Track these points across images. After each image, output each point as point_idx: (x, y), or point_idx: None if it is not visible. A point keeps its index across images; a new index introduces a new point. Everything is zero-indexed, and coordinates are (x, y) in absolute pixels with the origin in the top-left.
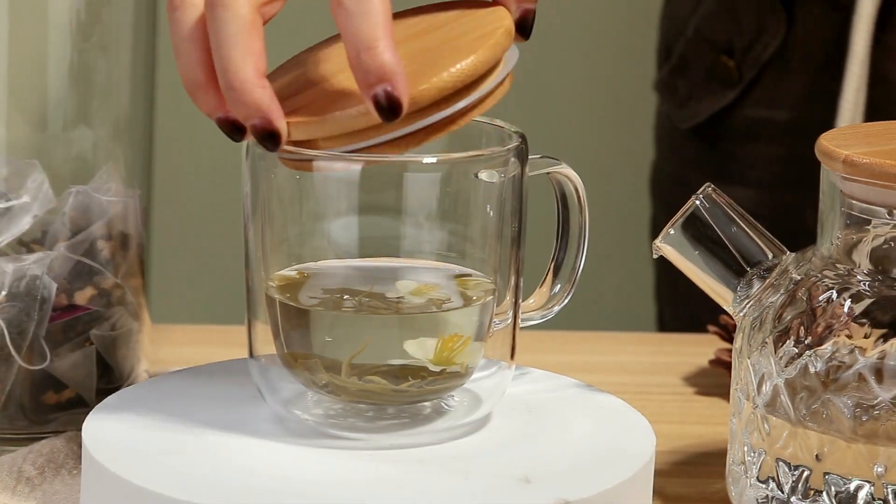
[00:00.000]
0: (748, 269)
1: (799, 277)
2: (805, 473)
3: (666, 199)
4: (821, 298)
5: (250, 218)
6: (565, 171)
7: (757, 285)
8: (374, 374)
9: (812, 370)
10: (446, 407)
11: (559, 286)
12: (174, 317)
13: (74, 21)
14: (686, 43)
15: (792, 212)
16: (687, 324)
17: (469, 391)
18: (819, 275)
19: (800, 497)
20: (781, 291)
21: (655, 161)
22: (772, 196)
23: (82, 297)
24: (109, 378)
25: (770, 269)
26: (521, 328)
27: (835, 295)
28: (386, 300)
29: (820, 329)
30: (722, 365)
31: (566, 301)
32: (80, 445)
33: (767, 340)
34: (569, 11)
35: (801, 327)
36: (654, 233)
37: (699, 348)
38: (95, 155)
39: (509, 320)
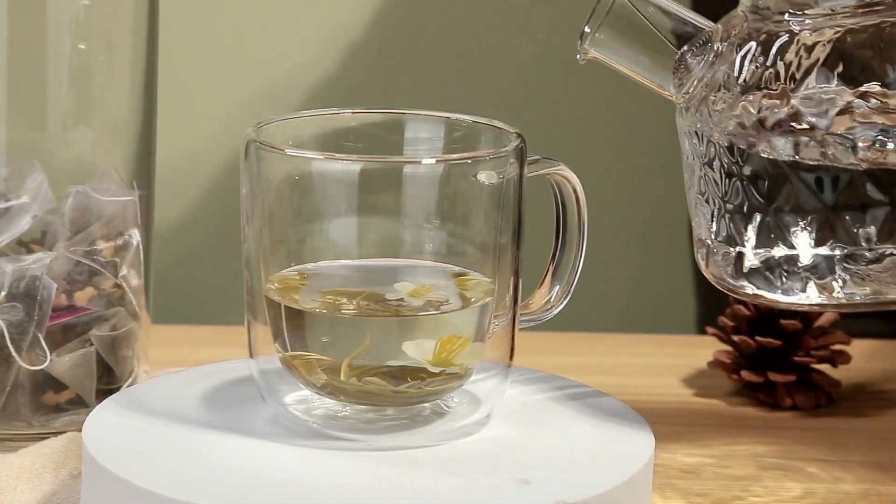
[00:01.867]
0: (679, 49)
1: (726, 37)
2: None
3: None
4: (746, 47)
5: (249, 218)
6: (564, 172)
7: (692, 63)
8: (373, 376)
9: (751, 113)
10: (445, 408)
11: (558, 288)
12: (174, 317)
13: (74, 21)
14: None
15: None
16: None
17: (468, 392)
18: (744, 27)
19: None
20: (713, 57)
21: None
22: None
23: (82, 297)
24: (109, 378)
25: (702, 44)
26: (520, 329)
27: (754, 45)
28: (385, 302)
29: (752, 77)
30: (721, 366)
31: (565, 302)
32: (80, 446)
33: (706, 100)
34: (569, 11)
35: (735, 79)
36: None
37: (698, 350)
38: (95, 155)
39: (508, 322)
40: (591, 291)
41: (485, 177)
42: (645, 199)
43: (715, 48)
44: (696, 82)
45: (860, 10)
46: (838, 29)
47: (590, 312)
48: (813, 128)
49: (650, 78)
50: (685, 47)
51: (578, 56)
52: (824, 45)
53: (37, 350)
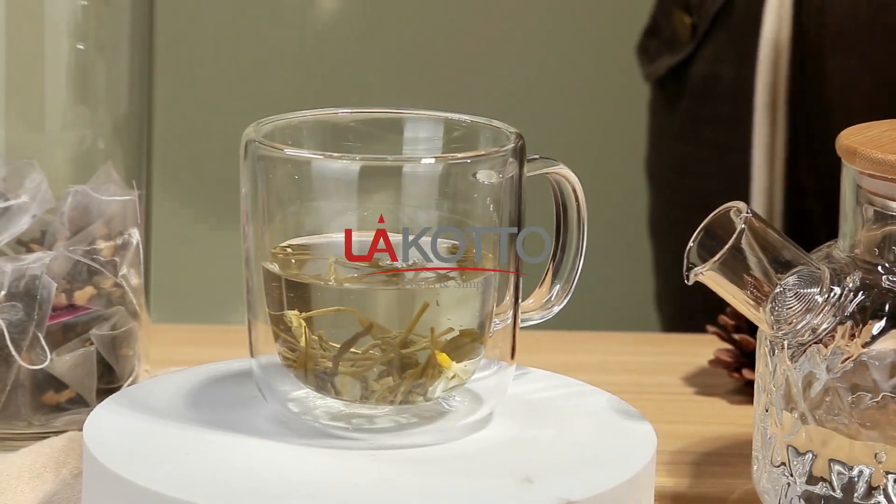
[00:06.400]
0: (778, 278)
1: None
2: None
3: (657, 183)
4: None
5: (249, 218)
6: (563, 171)
7: (794, 300)
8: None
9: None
10: (447, 407)
11: (558, 286)
12: (174, 317)
13: (72, 21)
14: (658, 4)
15: (740, 172)
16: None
17: (470, 391)
18: (847, 276)
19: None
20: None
21: (647, 151)
22: (719, 155)
23: (82, 296)
24: (110, 378)
25: (809, 282)
26: (521, 328)
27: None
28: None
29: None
30: (721, 365)
31: (565, 301)
32: (81, 445)
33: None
34: (567, 11)
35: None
36: (654, 226)
37: (699, 348)
38: (94, 155)
39: (509, 320)
40: (592, 290)
41: (484, 176)
42: (645, 197)
43: (831, 293)
44: (802, 323)
45: None
46: None
47: (591, 311)
48: None
49: (746, 303)
50: (789, 278)
51: (688, 278)
52: None
53: (37, 349)
